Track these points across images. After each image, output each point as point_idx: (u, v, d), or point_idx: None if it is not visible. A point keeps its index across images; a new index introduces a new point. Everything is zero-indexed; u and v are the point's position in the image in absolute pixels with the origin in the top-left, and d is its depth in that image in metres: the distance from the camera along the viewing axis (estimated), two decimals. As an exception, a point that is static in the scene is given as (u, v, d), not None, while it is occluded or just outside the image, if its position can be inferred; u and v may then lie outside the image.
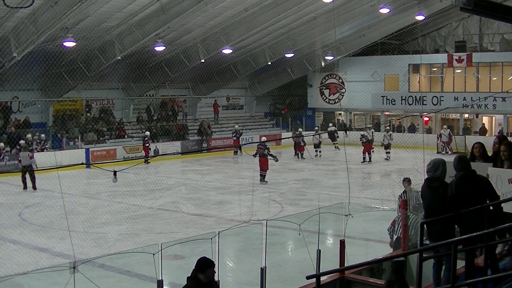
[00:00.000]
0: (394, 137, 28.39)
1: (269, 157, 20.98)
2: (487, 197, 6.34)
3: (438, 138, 30.05)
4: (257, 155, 21.30)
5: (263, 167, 21.00)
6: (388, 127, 30.02)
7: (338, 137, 32.30)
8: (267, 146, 21.41)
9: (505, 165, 7.34)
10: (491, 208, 6.30)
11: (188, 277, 5.70)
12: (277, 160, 21.44)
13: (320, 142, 29.05)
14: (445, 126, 31.38)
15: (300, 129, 30.99)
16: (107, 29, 23.57)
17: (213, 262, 5.74)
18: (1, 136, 24.45)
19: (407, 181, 10.62)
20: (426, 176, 6.66)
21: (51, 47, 22.66)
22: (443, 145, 29.67)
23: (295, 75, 36.54)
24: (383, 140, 27.82)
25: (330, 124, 34.78)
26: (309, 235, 8.49)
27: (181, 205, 17.13)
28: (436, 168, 6.51)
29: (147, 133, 28.14)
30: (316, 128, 35.24)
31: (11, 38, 20.77)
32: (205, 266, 5.62)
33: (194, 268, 5.64)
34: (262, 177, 20.98)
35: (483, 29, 33.59)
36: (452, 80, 33.58)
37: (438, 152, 28.60)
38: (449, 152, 28.49)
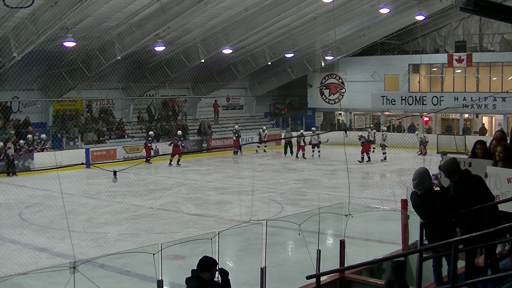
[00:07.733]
0: (394, 137, 28.25)
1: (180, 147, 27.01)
2: (483, 195, 6.33)
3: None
4: (172, 144, 27.10)
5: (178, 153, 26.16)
6: (385, 127, 29.84)
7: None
8: (181, 139, 27.62)
9: (498, 166, 7.31)
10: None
11: (188, 278, 5.67)
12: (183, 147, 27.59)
13: (319, 142, 28.99)
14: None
15: (301, 130, 30.89)
16: (107, 29, 23.56)
17: (216, 260, 5.82)
18: (1, 136, 24.43)
19: None
20: (413, 189, 6.40)
21: (51, 47, 22.65)
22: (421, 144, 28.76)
23: (295, 75, 36.51)
24: (383, 140, 27.74)
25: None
26: (309, 235, 8.48)
27: (181, 205, 17.13)
28: (423, 182, 6.26)
29: (151, 133, 28.07)
30: (313, 128, 35.06)
31: (11, 38, 20.76)
32: (211, 264, 5.70)
33: (196, 268, 5.65)
34: (177, 161, 26.27)
35: (483, 29, 33.58)
36: (452, 80, 33.56)
37: (438, 152, 28.36)
38: (422, 152, 27.98)
